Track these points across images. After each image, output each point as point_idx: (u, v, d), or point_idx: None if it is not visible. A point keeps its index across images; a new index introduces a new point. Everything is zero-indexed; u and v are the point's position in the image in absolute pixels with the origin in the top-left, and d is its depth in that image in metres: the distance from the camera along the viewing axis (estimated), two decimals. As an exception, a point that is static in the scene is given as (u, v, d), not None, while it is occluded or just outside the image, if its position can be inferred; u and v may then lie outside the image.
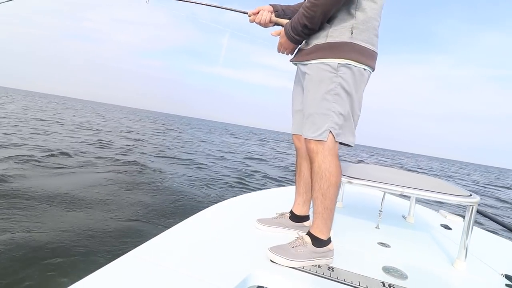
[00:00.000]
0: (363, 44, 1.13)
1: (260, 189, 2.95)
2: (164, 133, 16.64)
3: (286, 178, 7.22)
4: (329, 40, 1.14)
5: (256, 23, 1.35)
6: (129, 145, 8.51)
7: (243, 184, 5.71)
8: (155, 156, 7.35)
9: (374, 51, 1.17)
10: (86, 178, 4.38)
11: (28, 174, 4.02)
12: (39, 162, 4.82)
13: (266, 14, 1.33)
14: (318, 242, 1.15)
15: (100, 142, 8.15)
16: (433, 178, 1.69)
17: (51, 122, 12.13)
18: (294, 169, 1.52)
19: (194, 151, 10.00)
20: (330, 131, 1.14)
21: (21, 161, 4.62)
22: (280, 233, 1.39)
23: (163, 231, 1.21)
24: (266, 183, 6.29)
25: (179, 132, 19.79)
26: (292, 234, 1.40)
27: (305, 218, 1.47)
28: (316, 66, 1.16)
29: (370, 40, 1.15)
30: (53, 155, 5.52)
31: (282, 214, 1.48)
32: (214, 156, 9.43)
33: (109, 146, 7.89)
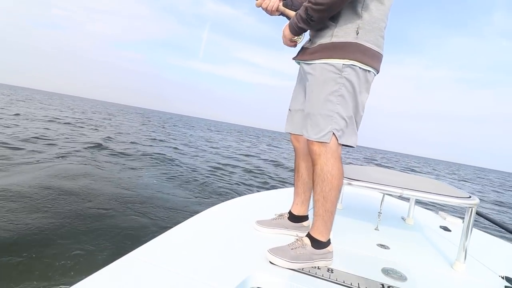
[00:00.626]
0: (368, 45, 1.12)
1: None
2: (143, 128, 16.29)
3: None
4: (334, 39, 1.12)
5: (263, 8, 1.29)
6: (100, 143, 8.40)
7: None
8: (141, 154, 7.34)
9: (379, 52, 1.16)
10: (85, 177, 4.38)
11: None
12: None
13: (275, 1, 1.28)
14: (318, 244, 1.15)
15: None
16: (432, 180, 1.69)
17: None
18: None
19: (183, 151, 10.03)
20: (333, 133, 1.13)
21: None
22: (280, 234, 1.39)
23: (163, 233, 1.21)
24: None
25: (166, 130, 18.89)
26: (291, 235, 1.40)
27: (304, 218, 1.46)
28: (320, 66, 1.15)
29: (376, 41, 1.14)
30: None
31: (281, 215, 1.47)
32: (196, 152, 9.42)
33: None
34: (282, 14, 1.31)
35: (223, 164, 7.71)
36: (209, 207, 1.61)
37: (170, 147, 9.70)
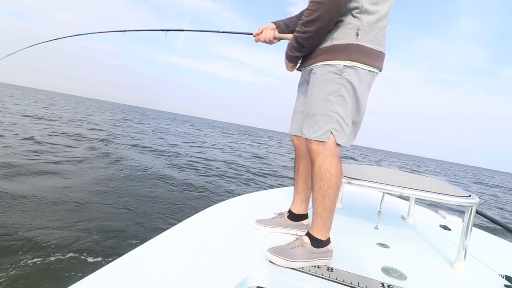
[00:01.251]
0: (369, 45, 1.12)
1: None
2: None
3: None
4: (335, 42, 1.14)
5: (262, 41, 1.43)
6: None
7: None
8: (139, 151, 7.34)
9: (380, 51, 1.16)
10: (82, 177, 4.38)
11: None
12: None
13: (269, 32, 1.40)
14: (317, 243, 1.15)
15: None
16: (432, 179, 1.69)
17: None
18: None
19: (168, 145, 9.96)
20: (331, 132, 1.14)
21: None
22: (279, 233, 1.39)
23: (163, 232, 1.21)
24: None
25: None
26: (291, 234, 1.41)
27: (304, 216, 1.47)
28: (322, 68, 1.17)
29: (377, 41, 1.14)
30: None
31: (280, 214, 1.47)
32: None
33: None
34: (281, 39, 1.42)
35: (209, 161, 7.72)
36: (208, 207, 1.61)
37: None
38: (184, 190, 4.53)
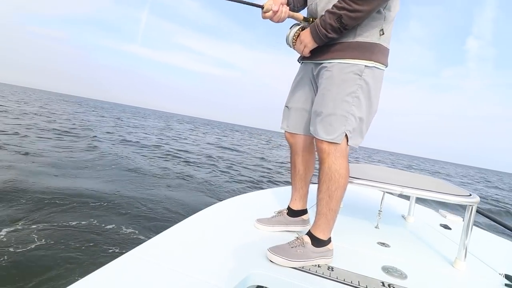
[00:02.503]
0: (385, 45, 1.12)
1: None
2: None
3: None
4: (358, 39, 1.08)
5: (274, 21, 1.18)
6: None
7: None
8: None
9: (389, 48, 1.16)
10: (81, 176, 4.38)
11: None
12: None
13: (285, 11, 1.17)
14: (318, 242, 1.15)
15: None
16: (432, 178, 1.69)
17: None
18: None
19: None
20: (346, 134, 1.11)
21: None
22: (280, 232, 1.39)
23: (163, 231, 1.21)
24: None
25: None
26: (292, 231, 1.41)
27: (303, 212, 1.46)
28: (341, 66, 1.11)
29: (389, 39, 1.13)
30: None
31: (280, 212, 1.46)
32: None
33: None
34: (291, 18, 1.22)
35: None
36: (208, 206, 1.61)
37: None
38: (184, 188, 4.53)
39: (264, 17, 1.17)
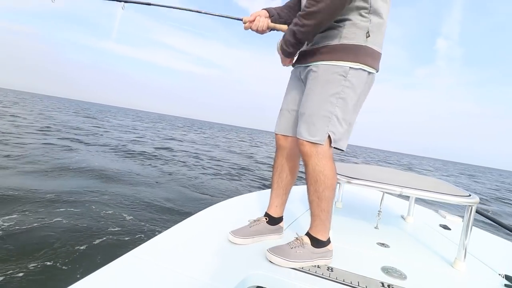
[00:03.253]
0: (375, 47, 1.11)
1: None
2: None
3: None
4: (344, 41, 1.09)
5: (253, 30, 1.28)
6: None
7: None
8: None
9: (380, 52, 1.15)
10: (79, 176, 4.38)
11: None
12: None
13: (264, 21, 1.25)
14: (317, 243, 1.15)
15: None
16: (432, 178, 1.69)
17: None
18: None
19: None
20: (329, 135, 1.10)
21: None
22: (260, 242, 1.29)
23: (162, 232, 1.21)
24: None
25: None
26: (290, 233, 1.40)
27: (281, 219, 1.40)
28: (326, 67, 1.11)
29: (380, 43, 1.13)
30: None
31: (257, 221, 1.35)
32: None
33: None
34: (273, 29, 1.29)
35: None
36: (208, 206, 1.61)
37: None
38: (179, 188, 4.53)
39: (245, 28, 1.29)
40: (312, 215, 1.18)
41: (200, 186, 4.97)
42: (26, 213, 2.75)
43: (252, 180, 6.41)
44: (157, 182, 4.75)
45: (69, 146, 6.84)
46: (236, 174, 6.82)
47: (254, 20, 1.26)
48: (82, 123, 14.22)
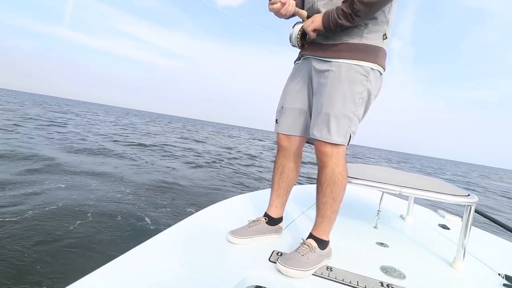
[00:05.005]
0: (386, 49, 1.13)
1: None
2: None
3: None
4: (365, 41, 1.09)
5: (281, 13, 1.15)
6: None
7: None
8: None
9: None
10: (77, 176, 4.37)
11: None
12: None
13: (293, 4, 1.15)
14: (322, 244, 1.15)
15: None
16: (431, 178, 1.69)
17: None
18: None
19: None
20: (350, 135, 1.11)
21: None
22: (260, 241, 1.29)
23: (162, 231, 1.21)
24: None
25: None
26: (289, 234, 1.40)
27: (280, 219, 1.39)
28: (349, 66, 1.09)
29: (388, 43, 1.15)
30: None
31: (256, 221, 1.34)
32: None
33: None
34: (295, 15, 1.20)
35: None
36: (207, 206, 1.61)
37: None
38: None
39: (271, 9, 1.15)
40: (321, 216, 1.15)
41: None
42: (30, 203, 2.75)
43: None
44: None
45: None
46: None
47: (285, 3, 1.13)
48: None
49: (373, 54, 1.09)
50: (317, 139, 1.12)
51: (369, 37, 1.08)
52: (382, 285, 1.03)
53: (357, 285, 1.01)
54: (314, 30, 1.13)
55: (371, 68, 1.09)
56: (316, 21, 1.11)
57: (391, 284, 1.04)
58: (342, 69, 1.09)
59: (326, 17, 1.08)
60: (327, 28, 1.09)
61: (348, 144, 1.12)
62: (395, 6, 1.13)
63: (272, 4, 1.13)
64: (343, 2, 1.05)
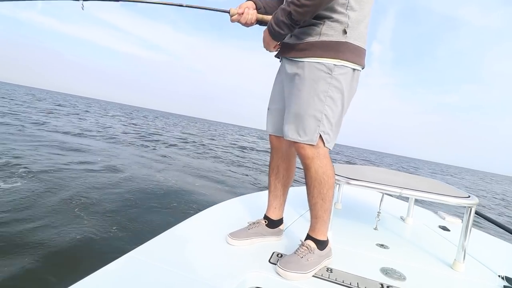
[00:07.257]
0: (356, 43, 1.09)
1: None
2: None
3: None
4: (323, 38, 1.07)
5: (241, 23, 1.21)
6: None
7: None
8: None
9: (364, 48, 1.13)
10: (77, 176, 4.37)
11: None
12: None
13: (252, 13, 1.19)
14: (321, 245, 1.15)
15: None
16: (431, 180, 1.69)
17: None
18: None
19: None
20: (320, 135, 1.08)
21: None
22: (260, 243, 1.28)
23: (162, 232, 1.21)
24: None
25: None
26: (289, 237, 1.40)
27: (280, 221, 1.38)
28: (310, 65, 1.08)
29: (362, 38, 1.11)
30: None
31: (256, 223, 1.33)
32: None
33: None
34: (261, 22, 1.24)
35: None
36: (207, 207, 1.61)
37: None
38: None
39: (232, 21, 1.21)
40: (314, 217, 1.16)
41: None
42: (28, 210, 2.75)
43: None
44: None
45: None
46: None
47: (243, 13, 1.18)
48: None
49: (332, 49, 1.06)
50: (290, 140, 1.12)
51: (328, 34, 1.06)
52: (382, 286, 1.03)
53: (357, 286, 1.01)
54: (275, 47, 1.18)
55: (334, 65, 1.06)
56: (267, 40, 1.14)
57: (391, 286, 1.04)
58: (305, 68, 1.09)
59: (271, 32, 1.10)
60: (278, 40, 1.13)
61: (325, 144, 1.09)
62: (362, 2, 1.09)
63: (232, 16, 1.20)
64: (281, 10, 1.04)
